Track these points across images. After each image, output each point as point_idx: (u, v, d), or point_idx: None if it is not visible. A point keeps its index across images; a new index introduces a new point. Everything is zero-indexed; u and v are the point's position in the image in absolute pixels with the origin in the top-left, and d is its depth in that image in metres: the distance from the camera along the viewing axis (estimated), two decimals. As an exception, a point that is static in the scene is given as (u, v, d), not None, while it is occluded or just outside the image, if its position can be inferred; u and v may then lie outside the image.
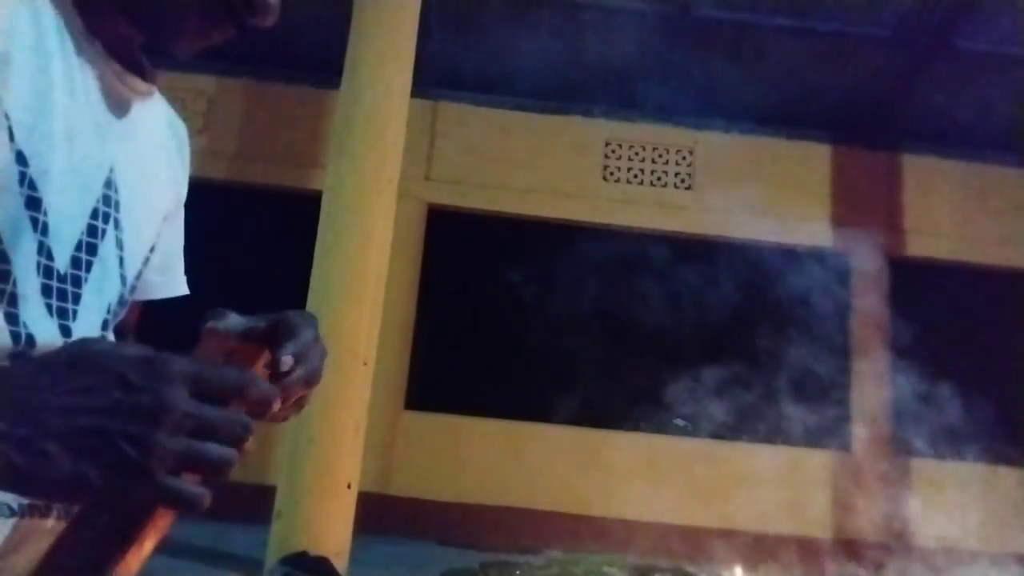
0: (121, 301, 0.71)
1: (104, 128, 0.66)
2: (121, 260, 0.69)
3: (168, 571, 4.49)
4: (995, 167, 7.47)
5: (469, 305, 7.21)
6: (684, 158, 7.57)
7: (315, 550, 4.26)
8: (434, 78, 7.05)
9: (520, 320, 7.14)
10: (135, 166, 0.70)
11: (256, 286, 6.94)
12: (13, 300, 0.59)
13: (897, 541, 6.50)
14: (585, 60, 6.87)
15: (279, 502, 4.44)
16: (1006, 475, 6.60)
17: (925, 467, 6.76)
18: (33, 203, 0.59)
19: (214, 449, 0.48)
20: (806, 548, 6.47)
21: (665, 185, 7.53)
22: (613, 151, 7.57)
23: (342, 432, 4.53)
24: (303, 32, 6.62)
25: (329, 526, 4.39)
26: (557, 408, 6.92)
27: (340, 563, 4.36)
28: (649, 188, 7.50)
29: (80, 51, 0.64)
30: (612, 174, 7.53)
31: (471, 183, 7.37)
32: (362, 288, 4.71)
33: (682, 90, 7.01)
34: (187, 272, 0.85)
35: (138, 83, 0.71)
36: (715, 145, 7.50)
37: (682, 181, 7.54)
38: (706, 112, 7.23)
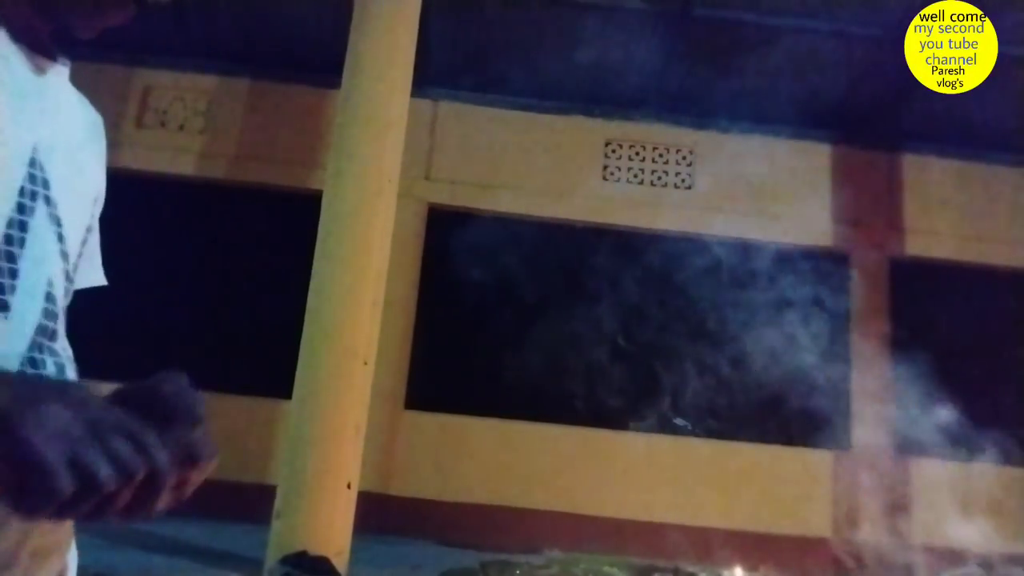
0: (67, 278, 0.73)
1: (22, 109, 0.67)
2: (60, 236, 0.70)
3: (168, 571, 4.49)
4: (995, 167, 7.47)
5: (469, 305, 7.21)
6: (684, 158, 7.57)
7: (315, 550, 4.26)
8: (434, 78, 7.05)
9: (520, 320, 7.14)
10: (60, 146, 0.71)
11: (256, 286, 6.95)
12: None
13: (897, 541, 6.50)
14: (585, 60, 6.87)
15: (279, 502, 4.44)
16: (1006, 475, 6.59)
17: (925, 467, 6.76)
18: None
19: (99, 455, 0.46)
20: (806, 548, 6.47)
21: (665, 185, 7.53)
22: (613, 151, 7.57)
23: (342, 432, 4.53)
24: (303, 32, 6.62)
25: (329, 526, 4.39)
26: (557, 408, 6.92)
27: (340, 563, 4.36)
28: (649, 188, 7.50)
29: None
30: (612, 174, 7.53)
31: (471, 183, 7.36)
32: (362, 288, 4.71)
33: (682, 90, 7.02)
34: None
35: (49, 66, 0.71)
36: (715, 145, 7.50)
37: (682, 181, 7.54)
38: (706, 112, 7.23)
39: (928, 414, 6.24)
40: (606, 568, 5.21)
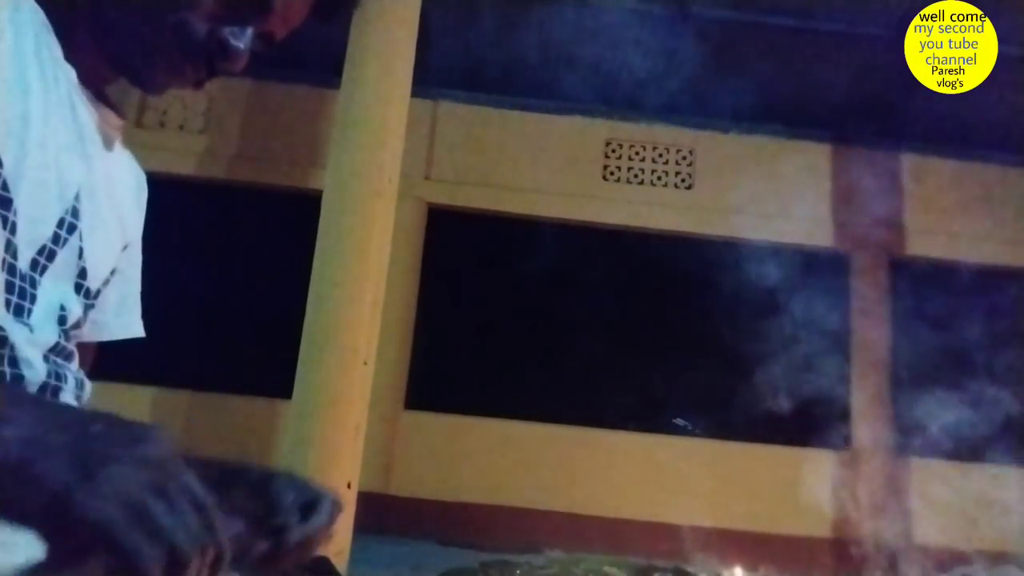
0: (83, 311, 0.74)
1: (76, 147, 0.69)
2: (83, 271, 0.72)
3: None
4: (995, 167, 7.47)
5: (469, 305, 7.21)
6: (684, 158, 7.57)
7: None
8: (434, 78, 7.05)
9: (520, 320, 7.14)
10: (103, 187, 0.74)
11: (256, 286, 6.95)
12: None
13: (897, 541, 6.50)
14: (585, 60, 6.87)
15: (279, 502, 4.43)
16: (1006, 475, 6.59)
17: (925, 467, 6.76)
18: (4, 202, 0.62)
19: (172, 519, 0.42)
20: (806, 548, 6.47)
21: (665, 185, 7.53)
22: (613, 151, 7.57)
23: (342, 432, 4.52)
24: (303, 32, 6.60)
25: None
26: (557, 408, 6.92)
27: (340, 563, 4.35)
28: (649, 188, 7.50)
29: (56, 70, 0.67)
30: (612, 174, 7.52)
31: (471, 183, 7.36)
32: (362, 288, 4.71)
33: (682, 90, 7.01)
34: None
35: (110, 115, 0.75)
36: (715, 145, 7.50)
37: (682, 181, 7.54)
38: (706, 112, 7.22)
39: (928, 414, 6.25)
40: (606, 568, 5.21)
